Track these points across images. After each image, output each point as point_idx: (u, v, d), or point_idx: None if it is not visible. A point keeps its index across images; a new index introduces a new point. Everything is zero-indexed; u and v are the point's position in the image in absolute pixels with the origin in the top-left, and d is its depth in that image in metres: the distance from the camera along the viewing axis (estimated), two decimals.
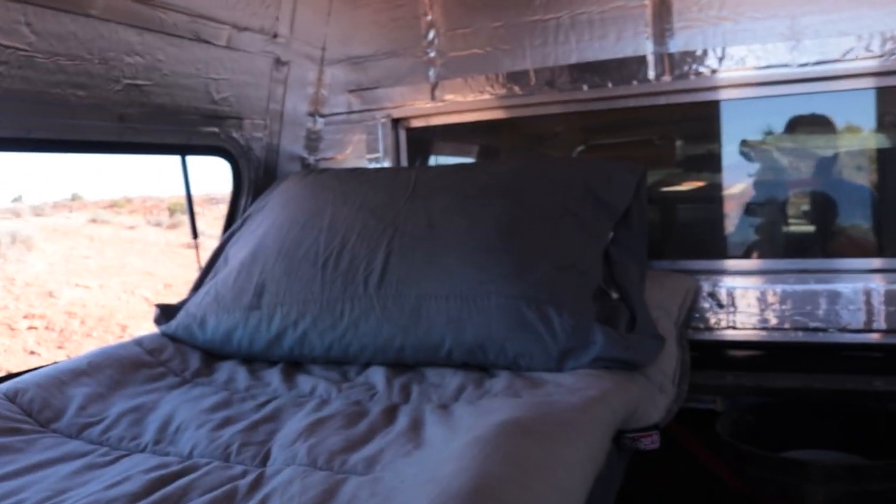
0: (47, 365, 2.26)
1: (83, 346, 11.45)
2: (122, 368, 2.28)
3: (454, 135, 3.48)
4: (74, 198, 25.47)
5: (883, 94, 2.70)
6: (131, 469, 1.63)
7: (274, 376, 2.28)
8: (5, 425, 1.89)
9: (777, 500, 2.27)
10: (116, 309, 14.09)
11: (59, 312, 13.75)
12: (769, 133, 3.02)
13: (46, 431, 1.92)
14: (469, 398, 1.94)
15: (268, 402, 2.06)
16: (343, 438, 1.69)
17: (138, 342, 2.48)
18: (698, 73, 2.77)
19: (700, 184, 3.25)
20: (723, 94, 2.85)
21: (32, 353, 11.68)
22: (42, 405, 2.01)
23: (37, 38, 2.11)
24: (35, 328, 12.78)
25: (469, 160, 3.68)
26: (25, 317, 13.21)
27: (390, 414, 1.88)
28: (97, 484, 1.56)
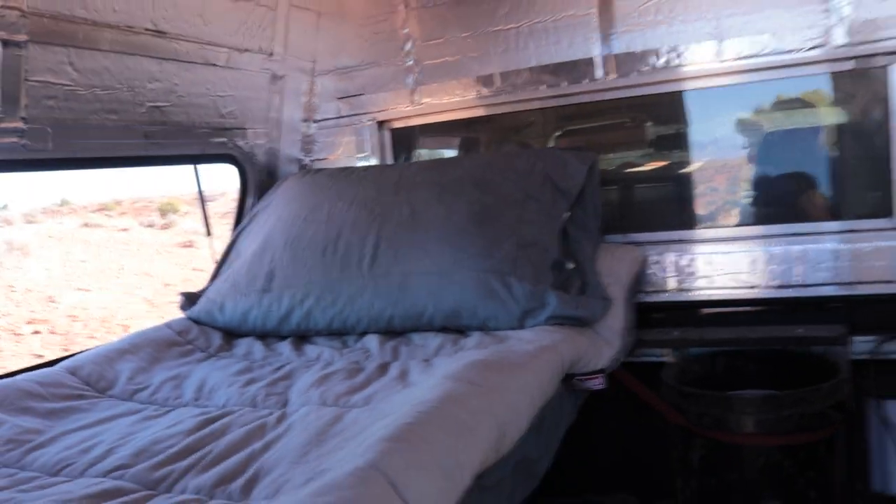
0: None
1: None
2: (158, 347, 2.73)
3: (438, 131, 3.90)
4: (63, 203, 25.61)
5: (793, 82, 3.15)
6: (180, 417, 2.07)
7: (285, 347, 2.73)
8: (72, 392, 2.34)
9: (711, 430, 2.72)
10: (117, 310, 14.44)
11: (62, 316, 14.09)
12: (711, 119, 3.46)
13: (104, 397, 2.36)
14: (447, 353, 2.39)
15: (282, 366, 2.50)
16: (346, 386, 2.14)
17: (168, 325, 2.92)
18: (639, 71, 3.19)
19: (655, 165, 3.69)
20: (661, 88, 3.26)
21: (39, 356, 12.03)
22: (98, 377, 2.46)
23: (78, 75, 2.54)
24: (39, 332, 13.12)
25: (452, 152, 4.12)
26: (29, 322, 13.56)
27: (383, 369, 2.32)
28: (156, 428, 1.99)
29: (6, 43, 2.29)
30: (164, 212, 23.22)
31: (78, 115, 2.59)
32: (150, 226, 22.34)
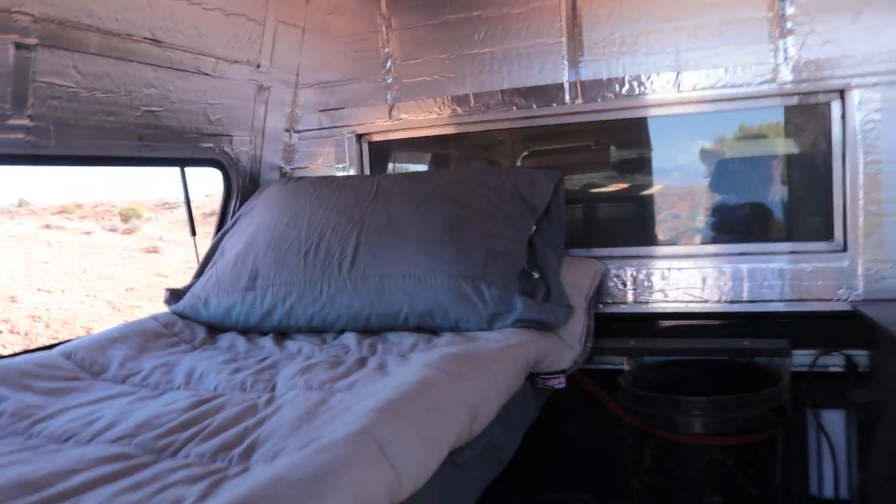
0: (88, 335, 2.84)
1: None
2: (146, 337, 2.88)
3: (412, 145, 4.12)
4: (21, 203, 25.36)
5: (748, 115, 3.42)
6: (174, 398, 2.24)
7: (267, 342, 2.90)
8: (68, 374, 2.49)
9: (662, 430, 2.94)
10: (80, 312, 14.38)
11: (23, 316, 14.01)
12: (670, 145, 3.72)
13: (98, 380, 2.52)
14: (421, 349, 2.58)
15: (265, 358, 2.67)
16: (329, 375, 2.32)
17: (154, 318, 3.08)
18: (604, 97, 3.43)
19: (617, 187, 3.94)
20: (625, 114, 3.51)
21: None
22: (91, 362, 2.61)
23: (81, 78, 2.70)
24: (0, 332, 13.06)
25: (423, 167, 4.34)
26: None
27: (362, 362, 2.51)
28: (152, 406, 2.15)
29: (18, 45, 2.46)
30: (126, 217, 23.13)
31: (79, 116, 2.75)
32: (113, 230, 22.23)
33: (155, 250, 20.14)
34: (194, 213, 3.72)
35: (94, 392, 2.36)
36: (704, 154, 3.68)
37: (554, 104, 3.52)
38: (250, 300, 3.00)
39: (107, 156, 2.97)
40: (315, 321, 2.92)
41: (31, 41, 2.49)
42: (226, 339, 2.98)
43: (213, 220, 3.74)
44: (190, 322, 3.10)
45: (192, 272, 3.34)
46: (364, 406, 1.74)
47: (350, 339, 2.82)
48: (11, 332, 13.11)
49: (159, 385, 2.44)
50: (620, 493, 3.21)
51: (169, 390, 2.39)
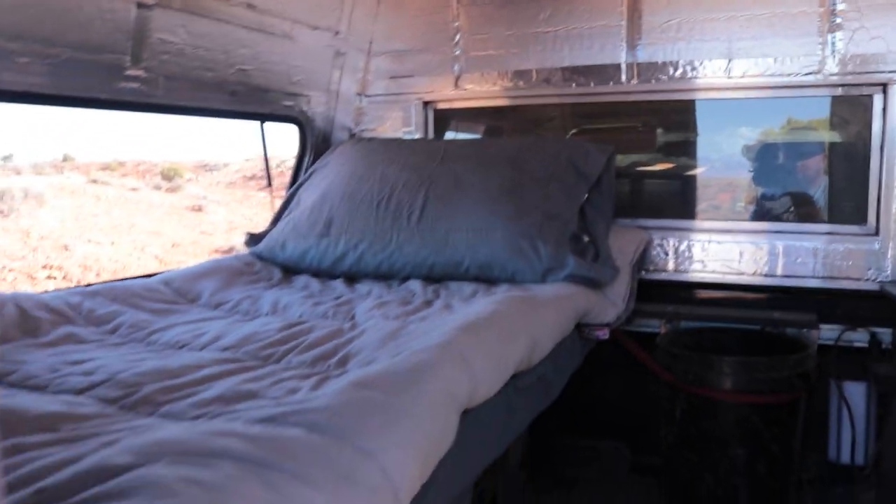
0: (179, 268, 3.17)
1: None
2: (230, 273, 3.20)
3: (470, 115, 4.39)
4: (66, 159, 26.00)
5: (788, 105, 3.65)
6: (266, 322, 2.54)
7: (338, 284, 3.20)
8: (169, 298, 2.82)
9: (694, 387, 3.20)
10: (128, 265, 14.88)
11: (75, 265, 14.54)
12: (716, 130, 3.96)
13: (193, 306, 2.84)
14: (482, 295, 2.87)
15: (339, 296, 2.97)
16: (402, 310, 2.61)
17: (236, 258, 3.40)
18: (658, 79, 3.67)
19: (665, 166, 4.19)
20: (677, 96, 3.75)
21: None
22: (186, 290, 2.93)
23: (188, 36, 3.01)
24: (53, 278, 13.57)
25: (477, 136, 4.63)
26: (44, 267, 14.01)
27: (428, 303, 2.79)
28: (249, 327, 2.45)
29: (139, 5, 2.77)
30: (168, 176, 23.63)
31: (183, 70, 3.06)
32: (158, 188, 22.76)
33: (199, 209, 20.64)
34: (234, 176, 4.03)
35: (193, 314, 2.67)
36: (748, 140, 3.91)
37: (611, 83, 3.76)
38: (324, 245, 3.29)
39: (202, 107, 3.28)
40: (383, 267, 3.22)
41: (151, 1, 2.79)
42: (300, 280, 3.28)
43: (254, 183, 4.04)
44: (267, 263, 3.41)
45: (235, 231, 3.65)
46: (445, 326, 2.04)
47: (415, 284, 3.10)
48: (64, 279, 13.63)
49: (249, 312, 2.75)
50: (651, 444, 3.49)
51: (258, 316, 2.69)
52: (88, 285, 2.78)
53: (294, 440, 1.31)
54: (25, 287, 12.59)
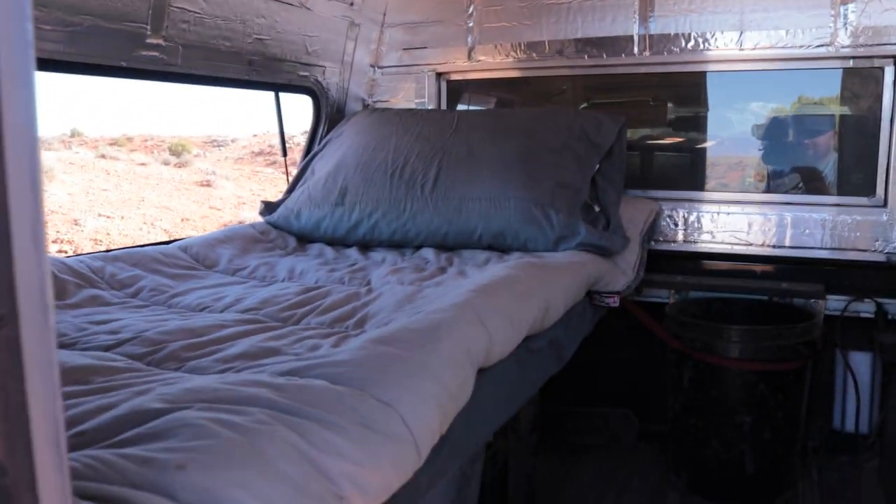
0: (198, 235, 3.23)
1: None
2: (246, 241, 3.26)
3: (482, 88, 4.42)
4: (74, 134, 26.08)
5: (799, 79, 3.66)
6: (284, 286, 2.60)
7: (353, 252, 3.26)
8: (187, 264, 2.88)
9: (701, 353, 3.26)
10: (139, 238, 14.98)
11: (86, 239, 14.66)
12: (727, 103, 3.99)
13: (211, 272, 2.90)
14: (494, 263, 2.92)
15: (354, 263, 3.03)
16: (416, 276, 2.67)
17: (251, 226, 3.45)
18: (670, 51, 3.69)
19: (676, 140, 4.23)
20: (689, 68, 3.77)
21: None
22: (203, 257, 2.99)
23: (206, 5, 3.05)
24: (65, 252, 13.66)
25: (490, 108, 4.66)
26: (54, 241, 14.12)
27: (442, 270, 2.85)
28: (267, 291, 2.52)
29: None
30: (176, 152, 23.72)
31: (202, 39, 3.10)
32: (167, 163, 22.85)
33: (208, 184, 20.74)
34: (242, 152, 4.08)
35: (212, 279, 2.74)
36: (758, 118, 3.94)
37: (623, 55, 3.78)
38: (339, 214, 3.35)
39: (220, 77, 3.32)
40: (397, 236, 3.27)
41: None
42: (315, 248, 3.34)
43: (262, 159, 4.08)
44: (282, 232, 3.47)
45: (244, 206, 3.70)
46: (460, 289, 2.09)
47: (428, 253, 3.16)
48: (76, 252, 13.72)
49: (266, 278, 2.81)
50: (659, 410, 3.56)
51: (275, 282, 2.75)
52: (109, 251, 2.84)
53: (318, 390, 1.37)
54: None
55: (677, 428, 3.44)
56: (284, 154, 4.02)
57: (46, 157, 19.24)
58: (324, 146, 3.79)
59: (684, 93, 4.15)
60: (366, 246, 3.37)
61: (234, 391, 1.32)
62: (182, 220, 17.06)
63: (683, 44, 3.67)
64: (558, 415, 3.70)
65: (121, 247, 3.04)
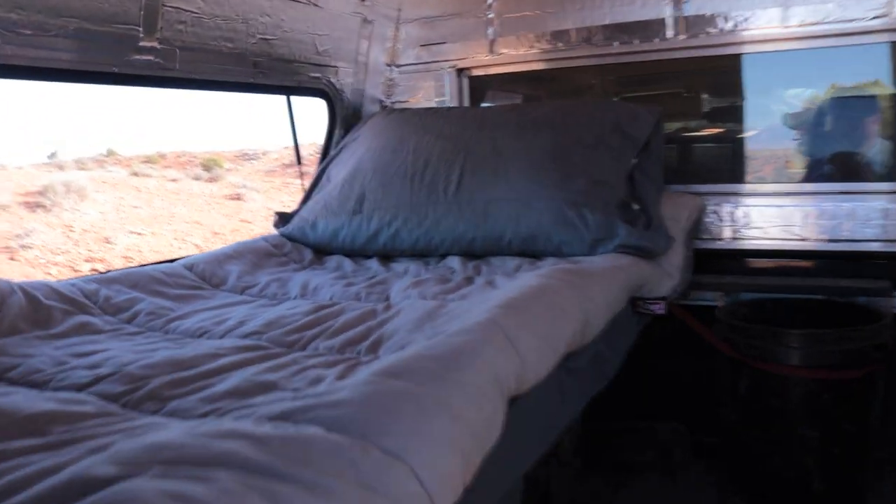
0: (205, 251, 3.00)
1: None
2: (258, 255, 3.03)
3: (506, 85, 4.15)
4: (109, 153, 26.31)
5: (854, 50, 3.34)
6: (294, 305, 2.36)
7: (373, 263, 3.02)
8: (192, 284, 2.65)
9: (759, 361, 2.95)
10: (170, 254, 14.89)
11: (117, 256, 14.63)
12: (770, 86, 3.67)
13: (218, 291, 2.66)
14: (526, 270, 2.65)
15: (374, 276, 2.79)
16: (440, 288, 2.41)
17: (264, 239, 3.22)
18: (707, 33, 3.40)
19: (716, 130, 3.92)
20: (728, 50, 3.47)
21: None
22: (211, 274, 2.76)
23: (204, 4, 2.82)
24: (97, 270, 13.60)
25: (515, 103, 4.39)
26: (87, 260, 14.12)
27: (469, 280, 2.59)
28: (275, 311, 2.27)
29: None
30: (207, 166, 23.77)
31: (201, 40, 2.88)
32: (198, 178, 22.87)
33: (238, 197, 20.69)
34: (273, 164, 3.86)
35: (218, 299, 2.50)
36: (799, 97, 3.62)
37: (656, 39, 3.50)
38: (357, 223, 3.10)
39: (223, 80, 3.10)
40: (420, 244, 3.02)
41: None
42: (333, 261, 3.10)
43: (292, 171, 3.83)
44: (298, 244, 3.23)
45: (274, 219, 3.46)
46: (487, 304, 1.83)
47: (454, 261, 2.90)
48: (108, 270, 13.67)
49: (276, 296, 2.57)
50: (711, 422, 3.25)
51: (286, 300, 2.51)
52: (106, 272, 2.62)
53: (310, 441, 1.12)
54: None
55: (733, 442, 3.14)
56: (299, 161, 3.79)
57: (79, 177, 19.34)
58: (339, 151, 3.55)
59: (720, 81, 3.84)
60: (387, 256, 3.12)
61: (205, 447, 1.07)
62: (213, 234, 16.98)
63: (721, 24, 3.38)
64: (602, 432, 3.40)
65: (124, 266, 2.82)
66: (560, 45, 3.69)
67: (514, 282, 2.21)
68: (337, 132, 3.77)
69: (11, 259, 13.79)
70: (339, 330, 1.98)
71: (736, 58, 3.54)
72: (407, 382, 1.32)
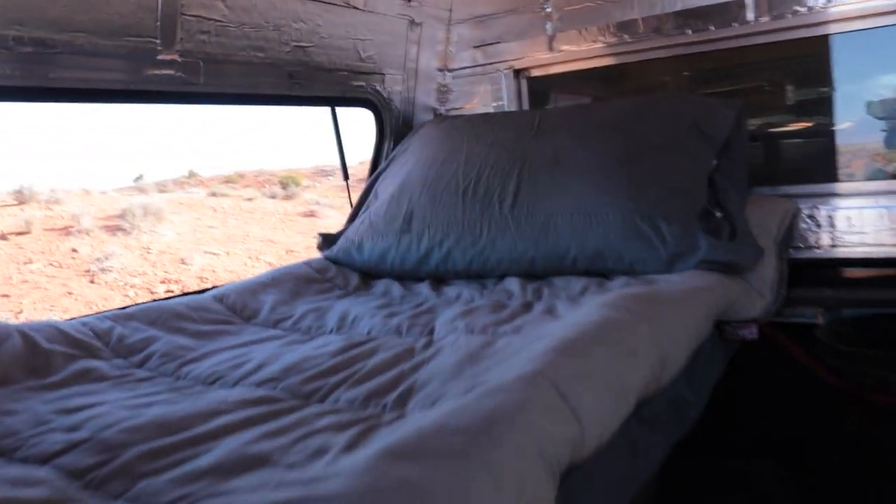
0: (240, 280, 2.75)
1: None
2: (298, 282, 2.76)
3: (569, 86, 3.80)
4: (191, 175, 26.86)
5: None
6: (326, 342, 2.08)
7: (423, 288, 2.71)
8: (220, 318, 2.39)
9: (872, 392, 2.54)
10: (244, 273, 14.95)
11: (192, 277, 14.74)
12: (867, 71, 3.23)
13: (248, 324, 2.40)
14: (593, 293, 2.31)
15: (422, 303, 2.48)
16: (492, 319, 2.09)
17: (307, 263, 2.95)
18: (794, 12, 2.99)
19: (806, 124, 3.48)
20: (818, 31, 3.05)
21: None
22: (242, 306, 2.50)
23: (229, 11, 2.58)
24: (172, 292, 13.74)
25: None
26: (162, 281, 14.25)
27: (527, 306, 2.26)
28: (302, 350, 2.00)
29: None
30: (284, 184, 23.98)
31: (227, 51, 2.64)
32: (273, 196, 23.08)
33: (312, 214, 20.77)
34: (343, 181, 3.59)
35: (245, 335, 2.24)
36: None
37: (735, 24, 3.10)
38: (406, 243, 2.81)
39: (256, 93, 2.85)
40: (474, 265, 2.71)
41: None
42: (381, 285, 2.82)
43: (356, 185, 3.55)
44: (343, 268, 2.96)
45: (318, 240, 3.19)
46: (537, 347, 1.49)
47: (513, 283, 2.58)
48: (183, 292, 13.78)
49: (311, 329, 2.30)
50: (818, 463, 2.83)
51: (320, 335, 2.24)
52: (126, 307, 2.38)
53: None
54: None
55: (843, 484, 2.71)
56: (346, 177, 3.52)
57: (157, 199, 19.72)
58: (388, 164, 3.27)
59: (805, 71, 3.40)
60: (441, 279, 2.82)
61: None
62: (287, 251, 17.00)
63: (810, 1, 2.96)
64: (684, 473, 2.99)
65: (154, 299, 2.58)
66: (626, 37, 3.33)
67: (574, 314, 1.87)
68: (386, 144, 3.49)
69: (91, 282, 14.02)
70: (367, 375, 1.69)
71: (825, 41, 3.12)
72: (420, 469, 1.00)
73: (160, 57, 2.43)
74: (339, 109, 3.39)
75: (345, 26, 3.08)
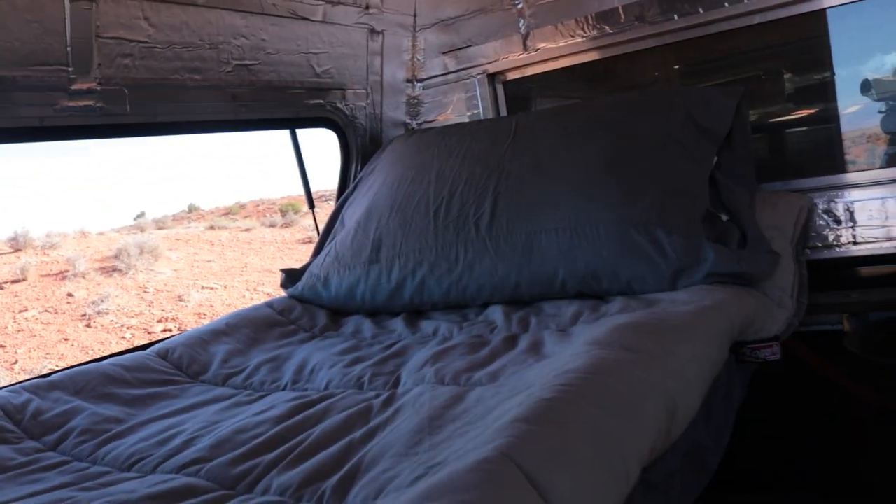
0: (191, 329, 2.44)
1: None
2: (257, 327, 2.45)
3: (550, 90, 3.50)
4: (191, 209, 26.66)
5: None
6: (274, 402, 1.77)
7: (398, 324, 2.40)
8: (160, 378, 2.08)
9: None
10: (241, 306, 14.66)
11: (190, 314, 14.48)
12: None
13: (195, 382, 2.10)
14: (586, 321, 1.99)
15: (393, 344, 2.18)
16: (467, 362, 1.78)
17: (269, 304, 2.65)
18: None
19: (810, 111, 3.17)
20: (815, 5, 2.74)
21: None
22: (189, 361, 2.20)
23: (154, 31, 2.28)
24: (169, 330, 13.46)
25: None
26: (159, 320, 13.98)
27: (511, 341, 1.95)
28: (245, 414, 1.70)
29: None
30: (284, 212, 23.77)
31: (157, 75, 2.34)
32: (272, 225, 22.86)
33: (310, 241, 20.51)
34: None
35: (185, 398, 1.94)
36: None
37: (725, 4, 2.80)
38: (375, 275, 2.50)
39: (197, 121, 2.55)
40: (452, 294, 2.39)
41: None
42: (350, 324, 2.51)
43: None
44: (310, 307, 2.65)
45: (281, 277, 2.89)
46: (508, 412, 1.17)
47: (496, 313, 2.27)
48: (179, 329, 13.51)
49: (263, 385, 2.01)
50: (856, 491, 2.49)
51: (272, 391, 1.93)
52: (51, 373, 2.07)
53: None
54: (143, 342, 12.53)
55: None
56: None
57: (153, 237, 19.52)
58: (354, 188, 2.96)
59: (804, 54, 3.09)
60: (418, 311, 2.50)
61: None
62: None
63: None
64: None
65: (83, 362, 2.26)
66: (607, 28, 3.01)
67: (561, 355, 1.54)
68: (353, 166, 3.18)
69: (88, 326, 13.78)
70: (309, 450, 1.38)
71: (822, 18, 2.81)
72: None
73: (75, 87, 2.13)
74: (302, 131, 3.11)
75: (294, 40, 2.78)
